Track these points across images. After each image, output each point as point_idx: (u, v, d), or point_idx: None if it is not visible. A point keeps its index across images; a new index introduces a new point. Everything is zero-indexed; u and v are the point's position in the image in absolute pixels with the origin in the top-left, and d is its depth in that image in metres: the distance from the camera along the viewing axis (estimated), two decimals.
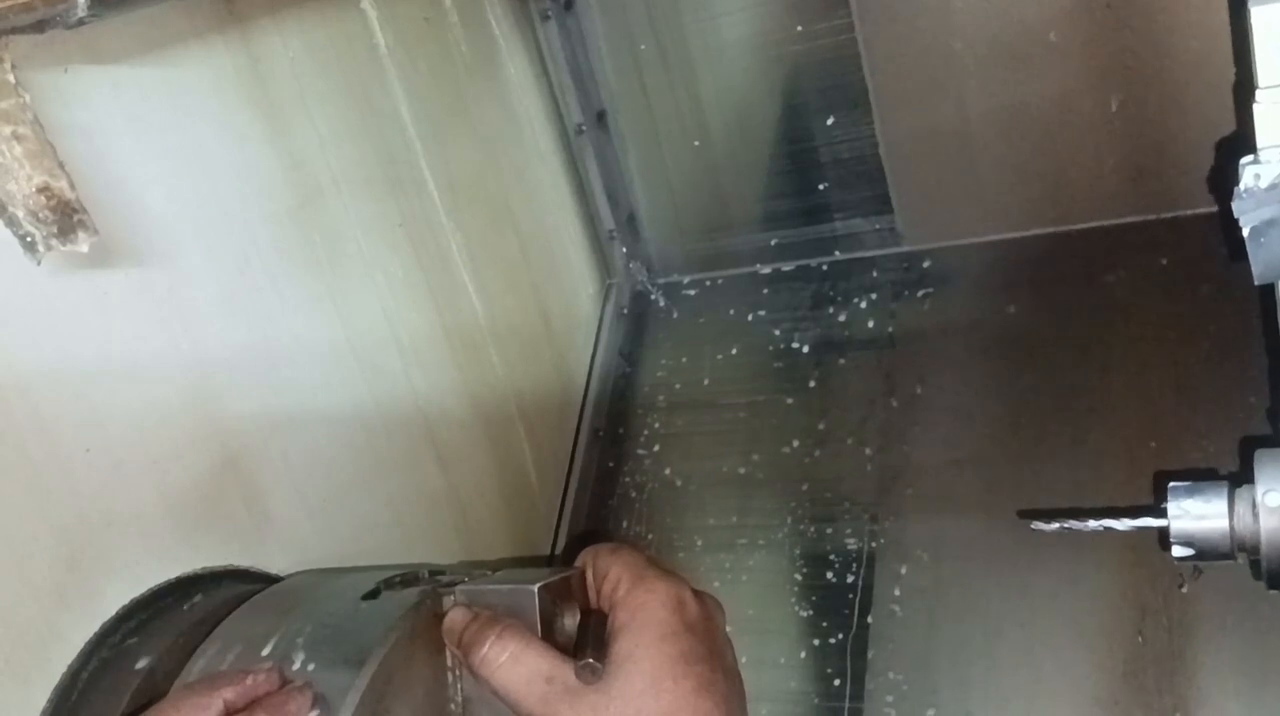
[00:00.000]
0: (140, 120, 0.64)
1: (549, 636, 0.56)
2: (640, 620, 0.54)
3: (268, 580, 0.68)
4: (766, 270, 1.05)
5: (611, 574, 0.57)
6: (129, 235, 0.64)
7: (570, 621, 0.58)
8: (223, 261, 0.69)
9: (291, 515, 0.72)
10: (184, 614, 0.61)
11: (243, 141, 0.71)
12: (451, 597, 0.57)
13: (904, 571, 0.87)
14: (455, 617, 0.57)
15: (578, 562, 0.61)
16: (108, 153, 0.62)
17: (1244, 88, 0.49)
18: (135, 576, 0.62)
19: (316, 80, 0.77)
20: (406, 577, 0.59)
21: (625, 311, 1.09)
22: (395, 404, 0.81)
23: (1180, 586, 0.76)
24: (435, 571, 0.60)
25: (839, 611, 0.88)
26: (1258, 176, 0.45)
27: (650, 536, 0.98)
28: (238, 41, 0.71)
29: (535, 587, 0.55)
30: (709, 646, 0.56)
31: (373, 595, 0.57)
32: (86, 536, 0.59)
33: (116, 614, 0.60)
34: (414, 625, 0.54)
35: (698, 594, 0.58)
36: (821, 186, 1.01)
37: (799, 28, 0.96)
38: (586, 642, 0.54)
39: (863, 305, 0.99)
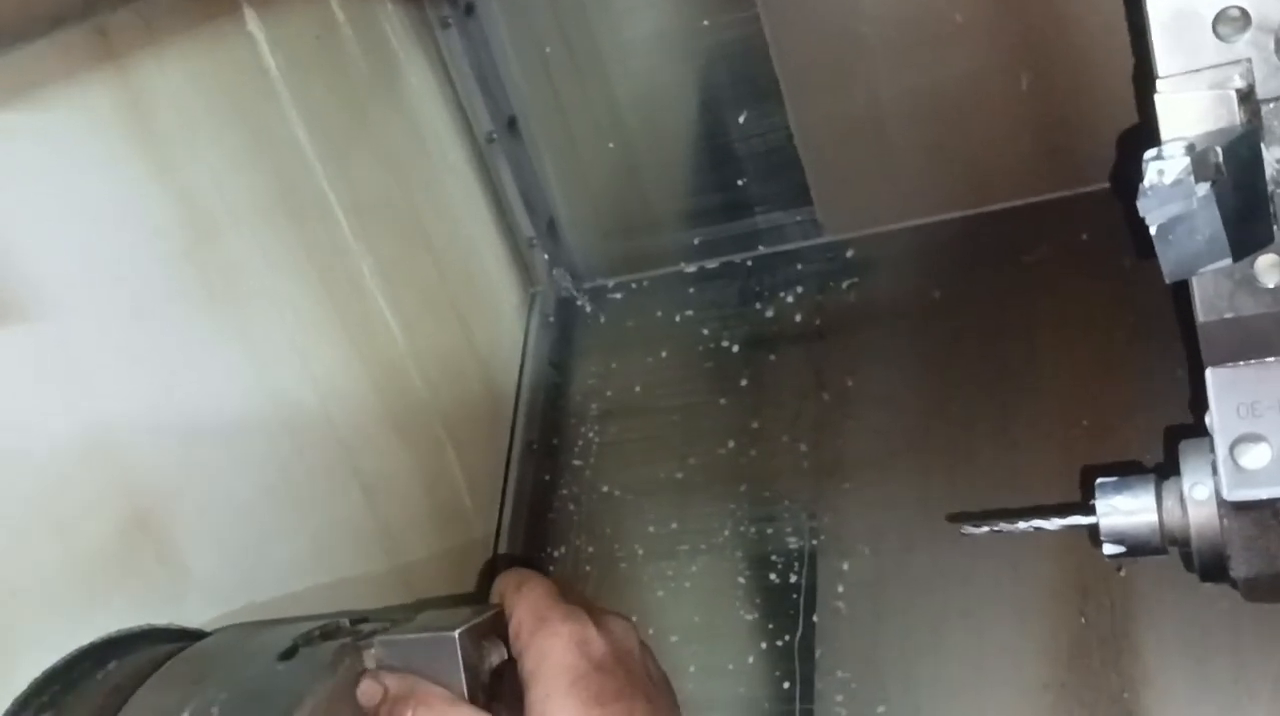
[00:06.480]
0: (13, 169, 0.62)
1: (475, 681, 0.54)
2: (547, 668, 0.54)
3: (188, 636, 0.66)
4: (691, 269, 1.04)
5: (514, 617, 0.56)
6: (10, 291, 0.61)
7: (497, 659, 0.56)
8: (115, 309, 0.66)
9: (210, 566, 0.70)
10: (98, 682, 0.59)
11: (128, 182, 0.68)
12: (373, 651, 0.55)
13: (846, 567, 0.86)
14: (367, 690, 0.54)
15: (492, 595, 0.59)
16: None
17: (1144, 77, 0.47)
18: (47, 646, 0.60)
19: (203, 111, 0.74)
20: (326, 630, 0.56)
21: (551, 320, 1.07)
22: (313, 439, 0.78)
23: (1119, 569, 0.76)
24: (357, 620, 0.58)
25: (784, 612, 0.87)
26: (1161, 172, 0.43)
27: (591, 548, 0.96)
28: (115, 78, 0.68)
29: (455, 634, 0.53)
30: (623, 678, 0.55)
31: (289, 654, 0.55)
32: None
33: (27, 688, 0.58)
34: (331, 686, 0.52)
35: (602, 625, 0.56)
36: (740, 181, 0.99)
37: (705, 21, 0.94)
38: (501, 695, 0.53)
39: (789, 299, 0.98)
